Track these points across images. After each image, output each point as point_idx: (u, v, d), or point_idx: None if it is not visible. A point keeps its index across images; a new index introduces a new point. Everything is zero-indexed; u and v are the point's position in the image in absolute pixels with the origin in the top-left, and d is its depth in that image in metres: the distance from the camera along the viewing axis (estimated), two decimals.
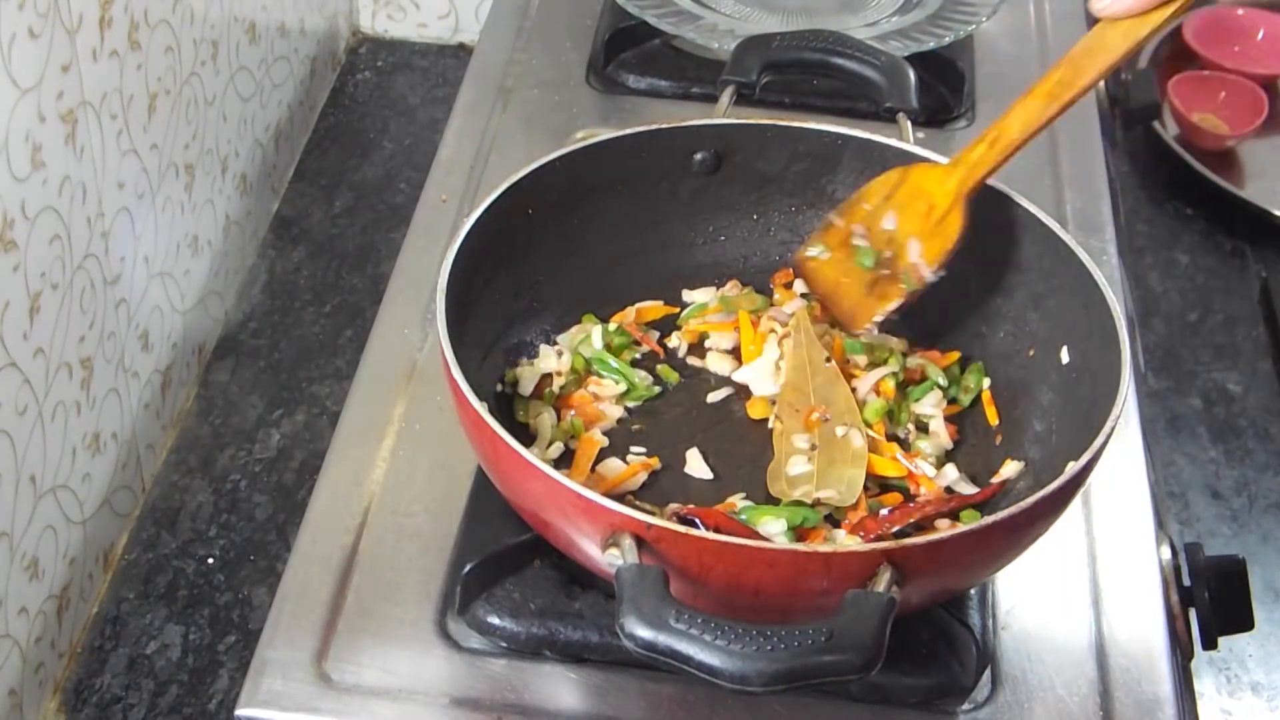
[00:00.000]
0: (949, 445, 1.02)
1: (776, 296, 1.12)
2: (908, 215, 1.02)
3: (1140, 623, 0.98)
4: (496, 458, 0.88)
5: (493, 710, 0.91)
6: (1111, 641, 0.97)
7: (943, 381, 1.05)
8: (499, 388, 1.03)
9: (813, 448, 0.98)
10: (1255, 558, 1.32)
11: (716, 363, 1.08)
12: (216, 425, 1.39)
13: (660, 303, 1.11)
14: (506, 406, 1.03)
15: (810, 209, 1.13)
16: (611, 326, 1.08)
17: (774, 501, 0.97)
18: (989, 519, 0.84)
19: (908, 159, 1.08)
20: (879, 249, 1.02)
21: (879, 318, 1.02)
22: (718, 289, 1.11)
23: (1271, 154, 1.69)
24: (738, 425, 1.04)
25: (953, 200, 1.01)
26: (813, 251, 1.03)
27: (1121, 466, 1.07)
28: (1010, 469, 1.00)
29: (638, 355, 1.08)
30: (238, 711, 0.91)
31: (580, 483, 0.83)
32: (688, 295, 1.12)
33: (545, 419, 1.01)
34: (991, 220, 1.06)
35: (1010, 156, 1.00)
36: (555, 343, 1.07)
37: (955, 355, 1.07)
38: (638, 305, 1.10)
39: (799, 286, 1.12)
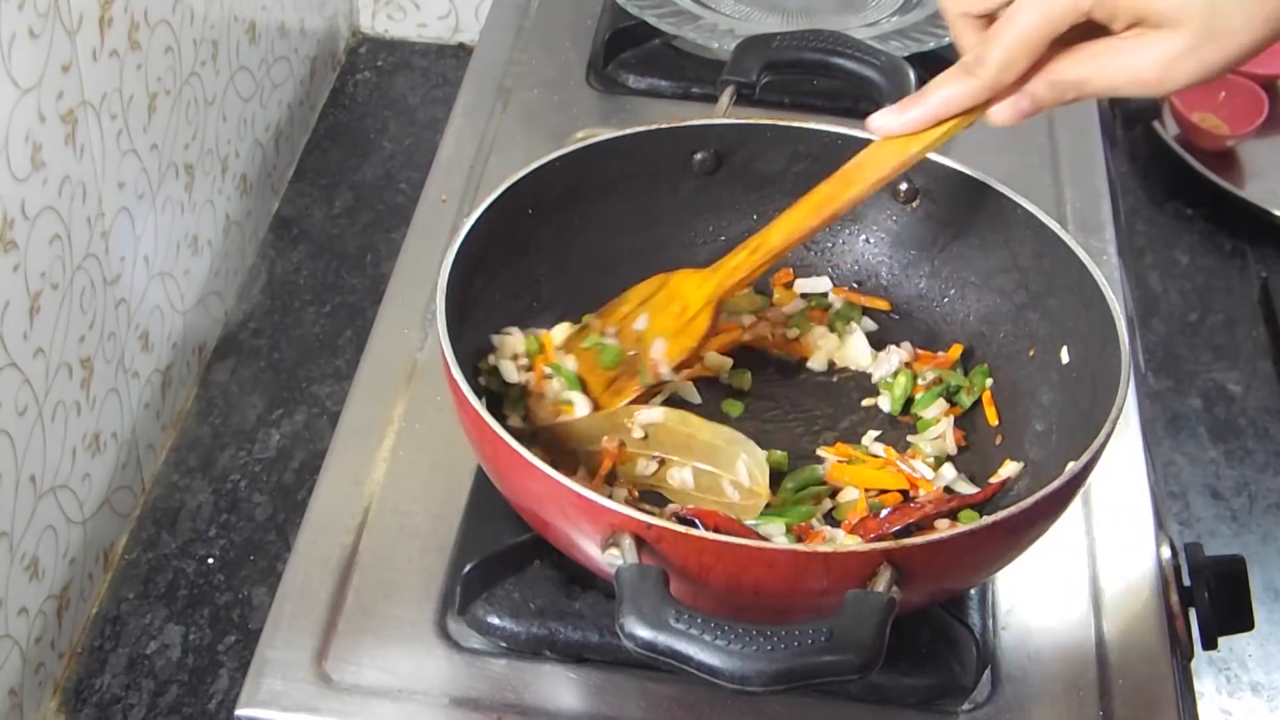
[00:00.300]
0: (953, 451, 1.02)
1: (776, 296, 1.12)
2: (660, 316, 1.03)
3: (1140, 623, 0.98)
4: (496, 458, 0.88)
5: (493, 710, 0.91)
6: (1111, 641, 0.97)
7: (955, 383, 1.05)
8: (481, 381, 1.02)
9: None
10: (1255, 558, 1.32)
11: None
12: (216, 425, 1.39)
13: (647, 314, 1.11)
14: (497, 406, 1.03)
15: None
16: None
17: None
18: (989, 519, 0.84)
19: None
20: (625, 348, 1.03)
21: (618, 407, 1.01)
22: None
23: (1271, 154, 1.69)
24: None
25: (704, 303, 1.02)
26: (561, 356, 1.04)
27: (1121, 466, 1.07)
28: (1010, 469, 1.00)
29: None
30: (238, 711, 0.91)
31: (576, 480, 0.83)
32: None
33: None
34: (992, 220, 1.06)
35: (769, 264, 1.01)
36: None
37: (959, 348, 1.07)
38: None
39: (799, 286, 1.12)
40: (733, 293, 1.03)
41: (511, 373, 1.01)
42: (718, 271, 1.02)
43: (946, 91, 0.91)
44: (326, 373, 1.44)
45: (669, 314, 1.03)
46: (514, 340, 1.03)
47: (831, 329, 1.09)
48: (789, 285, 1.12)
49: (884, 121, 0.95)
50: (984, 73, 0.88)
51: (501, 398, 1.02)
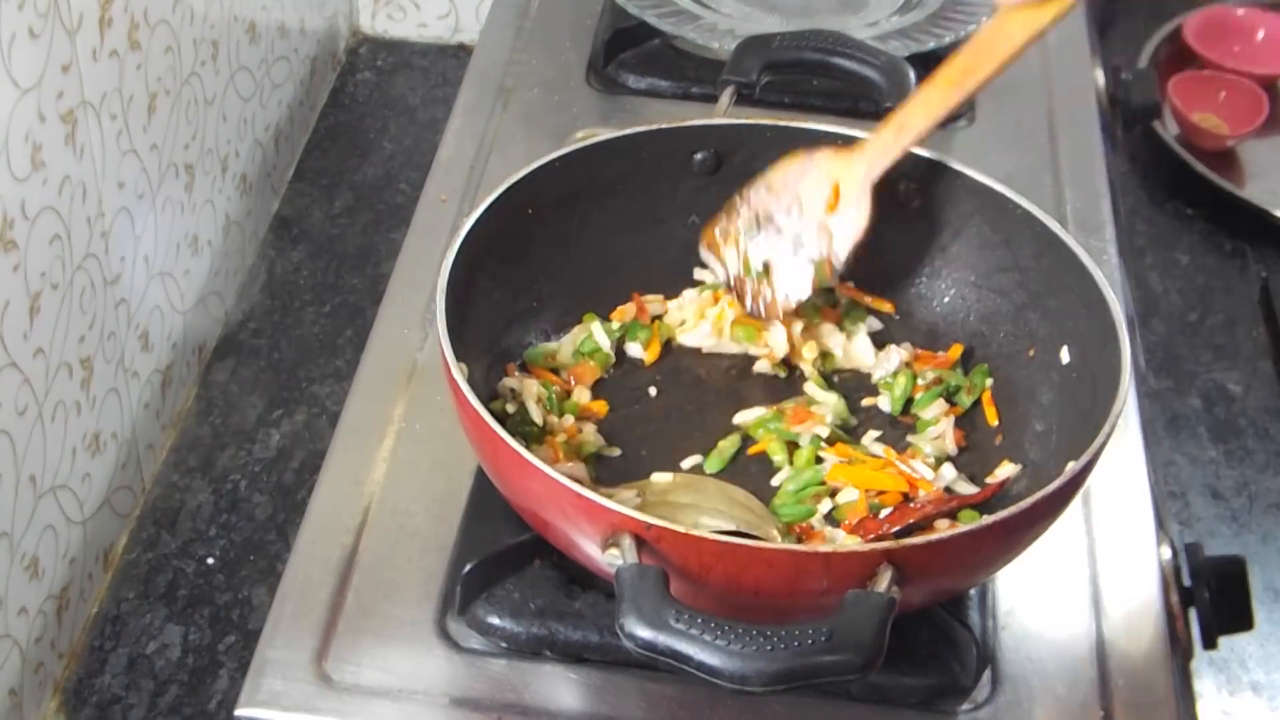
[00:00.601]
0: (953, 451, 1.02)
1: None
2: (814, 201, 1.01)
3: (1140, 623, 0.98)
4: (496, 458, 0.88)
5: (493, 710, 0.91)
6: (1111, 641, 0.97)
7: (955, 383, 1.05)
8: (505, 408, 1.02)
9: None
10: (1255, 558, 1.32)
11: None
12: (216, 425, 1.39)
13: (660, 296, 1.11)
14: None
15: None
16: (614, 324, 1.08)
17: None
18: (989, 519, 0.84)
19: (907, 158, 1.08)
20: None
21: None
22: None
23: (1271, 154, 1.69)
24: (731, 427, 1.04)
25: (862, 186, 1.01)
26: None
27: (1121, 466, 1.07)
28: (1010, 469, 1.00)
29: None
30: (238, 711, 0.91)
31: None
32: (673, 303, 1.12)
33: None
34: (992, 220, 1.06)
35: (914, 145, 1.00)
36: (553, 340, 1.07)
37: (959, 348, 1.07)
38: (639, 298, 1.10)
39: None
40: (883, 176, 1.00)
41: (537, 415, 1.01)
42: (866, 152, 1.01)
43: None
44: (326, 373, 1.44)
45: (821, 200, 1.01)
46: (533, 385, 1.02)
47: (840, 328, 1.09)
48: None
49: None
50: None
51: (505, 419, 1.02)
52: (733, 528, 0.92)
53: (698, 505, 0.94)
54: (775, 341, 1.06)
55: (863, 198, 1.01)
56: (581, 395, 1.04)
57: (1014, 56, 0.96)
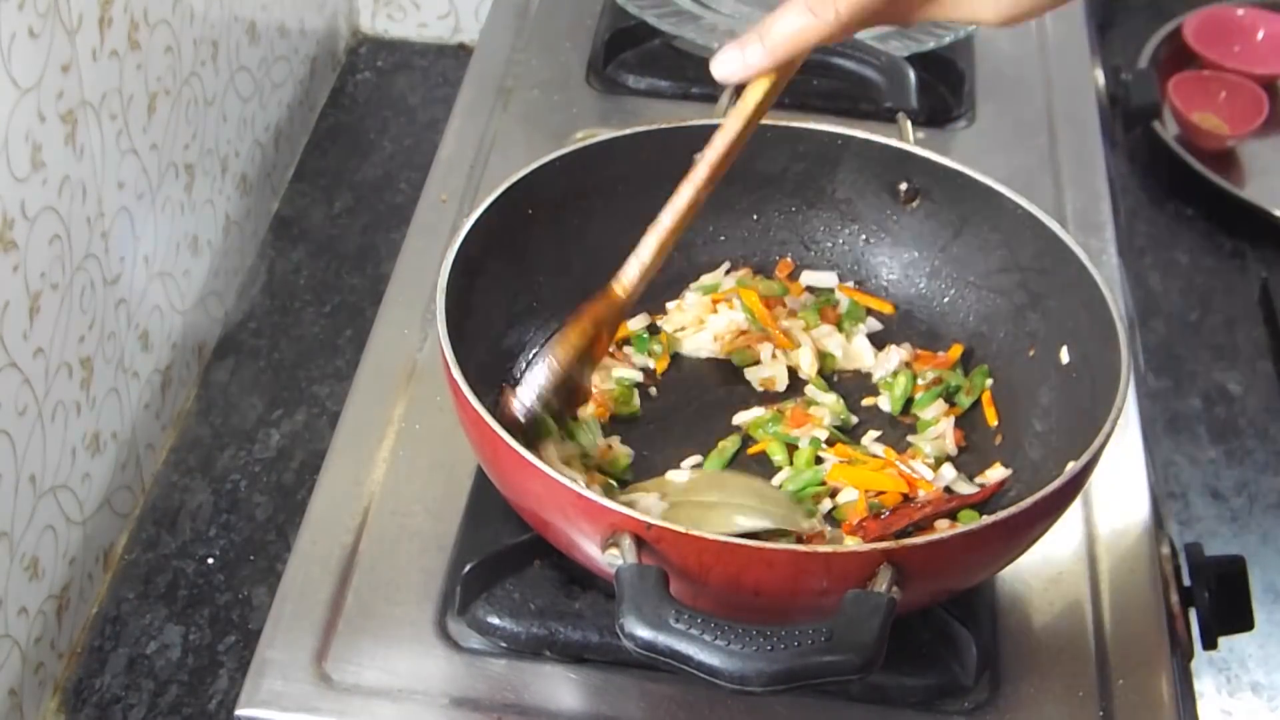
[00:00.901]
0: (953, 451, 1.02)
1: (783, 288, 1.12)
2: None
3: (1140, 623, 0.98)
4: (496, 458, 0.88)
5: (493, 710, 0.91)
6: (1111, 641, 0.96)
7: (955, 383, 1.05)
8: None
9: None
10: (1255, 558, 1.32)
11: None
12: (216, 425, 1.39)
13: (645, 314, 1.10)
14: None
15: (810, 209, 1.13)
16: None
17: None
18: (989, 519, 0.84)
19: (907, 159, 1.08)
20: None
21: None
22: (728, 272, 1.12)
23: (1271, 154, 1.69)
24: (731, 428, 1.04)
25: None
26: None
27: (1121, 466, 1.07)
28: (1001, 473, 1.00)
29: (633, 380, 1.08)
30: (238, 711, 0.91)
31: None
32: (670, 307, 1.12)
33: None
34: (992, 220, 1.06)
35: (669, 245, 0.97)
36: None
37: (959, 348, 1.07)
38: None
39: (805, 279, 1.12)
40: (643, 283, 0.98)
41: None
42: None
43: (787, 26, 0.84)
44: (326, 373, 1.44)
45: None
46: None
47: (839, 328, 1.09)
48: (792, 276, 1.12)
49: (727, 65, 0.88)
50: (827, 13, 0.83)
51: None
52: (769, 524, 0.92)
53: (727, 503, 0.94)
54: (775, 372, 1.07)
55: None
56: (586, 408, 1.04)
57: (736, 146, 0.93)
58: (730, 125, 0.93)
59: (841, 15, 0.82)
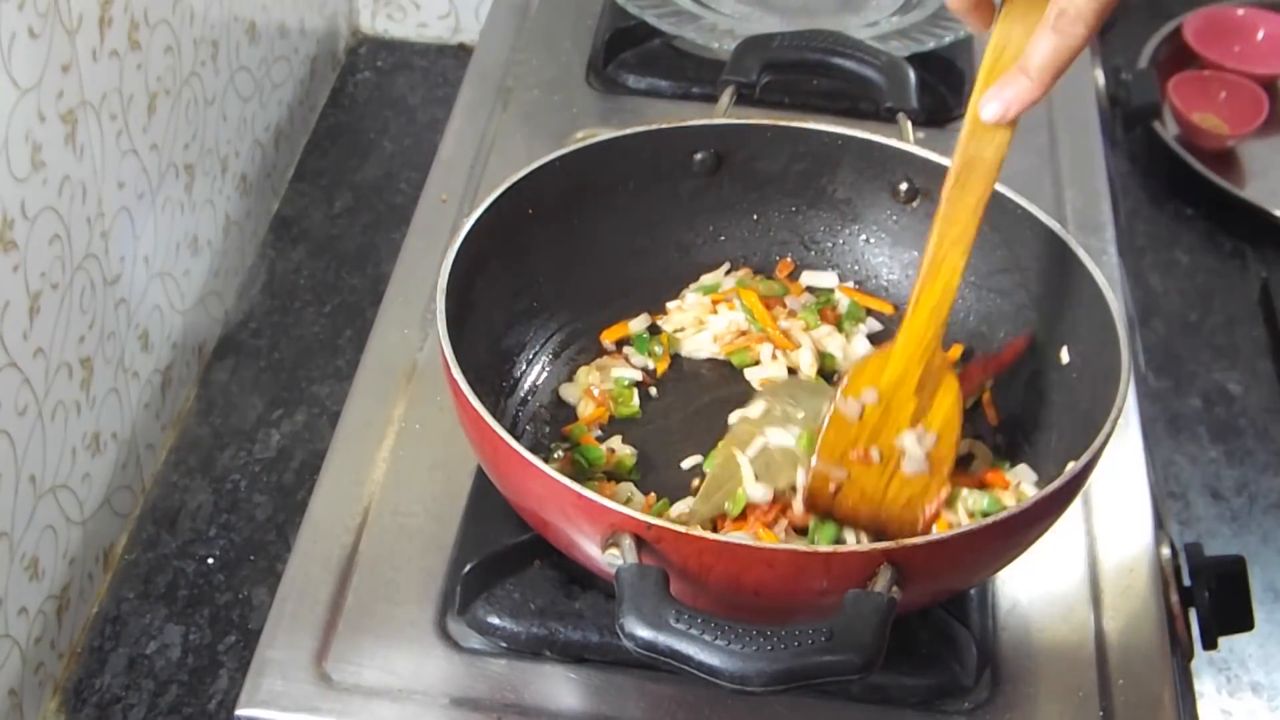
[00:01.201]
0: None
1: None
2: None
3: (1140, 623, 0.98)
4: (496, 458, 0.88)
5: (493, 710, 0.91)
6: (1111, 641, 0.97)
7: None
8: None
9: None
10: (1255, 558, 1.32)
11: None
12: (216, 425, 1.39)
13: (646, 314, 1.11)
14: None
15: (810, 209, 1.13)
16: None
17: None
18: (989, 519, 0.84)
19: (907, 159, 1.08)
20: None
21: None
22: (729, 272, 1.12)
23: (1271, 154, 1.69)
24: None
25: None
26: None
27: (1121, 466, 1.07)
28: (1009, 470, 1.00)
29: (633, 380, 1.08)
30: (238, 711, 0.91)
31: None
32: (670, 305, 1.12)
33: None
34: (992, 220, 1.06)
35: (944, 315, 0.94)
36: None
37: (959, 348, 1.07)
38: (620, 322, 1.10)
39: (805, 279, 1.12)
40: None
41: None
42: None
43: (1045, 52, 0.87)
44: (326, 373, 1.44)
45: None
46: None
47: (839, 329, 1.09)
48: (792, 276, 1.12)
49: (998, 107, 0.91)
50: (1077, 28, 0.85)
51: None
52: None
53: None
54: (775, 372, 1.07)
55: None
56: (586, 408, 1.04)
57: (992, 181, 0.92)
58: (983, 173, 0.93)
59: (1090, 24, 0.86)
